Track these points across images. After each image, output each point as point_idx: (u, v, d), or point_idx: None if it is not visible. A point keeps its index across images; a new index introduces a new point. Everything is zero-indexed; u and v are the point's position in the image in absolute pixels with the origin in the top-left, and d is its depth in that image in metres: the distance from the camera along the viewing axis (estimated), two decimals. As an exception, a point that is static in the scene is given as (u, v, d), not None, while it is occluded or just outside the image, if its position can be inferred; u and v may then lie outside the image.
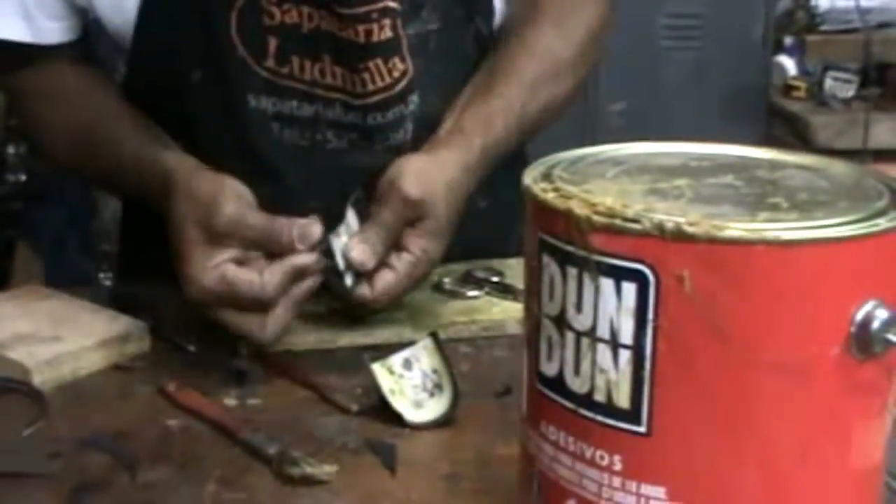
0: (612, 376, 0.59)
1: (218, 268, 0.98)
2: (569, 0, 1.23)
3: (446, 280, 1.17)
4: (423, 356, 0.96)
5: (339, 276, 1.02)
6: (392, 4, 1.11)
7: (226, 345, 1.04)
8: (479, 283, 1.18)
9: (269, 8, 1.11)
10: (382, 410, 0.93)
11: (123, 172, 1.14)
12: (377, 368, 0.94)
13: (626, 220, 0.57)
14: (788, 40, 3.65)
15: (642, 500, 0.60)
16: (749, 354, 0.57)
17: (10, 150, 2.59)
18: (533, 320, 0.64)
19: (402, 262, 1.03)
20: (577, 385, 0.61)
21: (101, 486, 0.83)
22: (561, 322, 0.62)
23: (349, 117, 1.15)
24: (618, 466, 0.60)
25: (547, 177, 0.65)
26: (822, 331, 0.57)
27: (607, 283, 0.59)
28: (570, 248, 0.60)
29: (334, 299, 1.08)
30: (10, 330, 1.05)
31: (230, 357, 1.03)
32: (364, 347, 1.05)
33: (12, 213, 2.62)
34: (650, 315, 0.57)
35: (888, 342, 0.57)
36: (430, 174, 1.06)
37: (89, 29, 1.21)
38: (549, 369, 0.63)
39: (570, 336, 0.61)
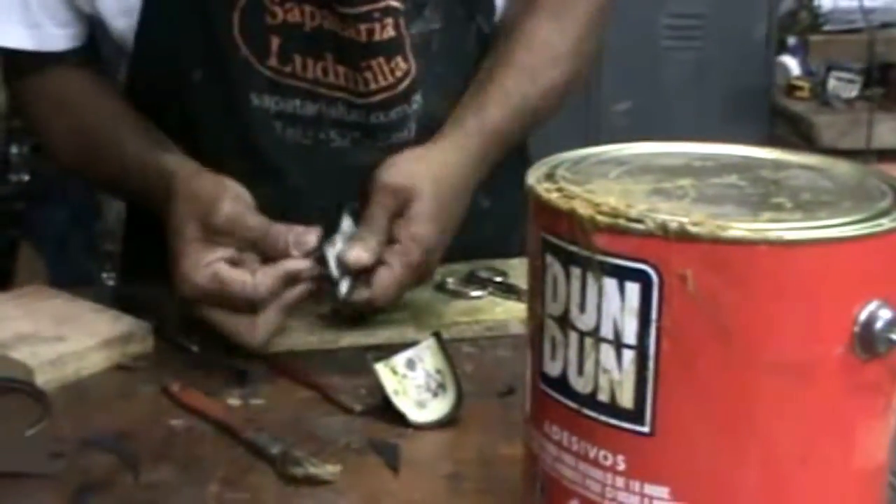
0: (616, 376, 0.59)
1: (211, 266, 0.99)
2: None
3: (449, 280, 1.17)
4: (426, 356, 0.96)
5: (333, 284, 1.03)
6: (394, 4, 1.11)
7: (229, 345, 1.04)
8: (483, 283, 1.18)
9: (271, 7, 1.11)
10: (386, 410, 0.93)
11: (126, 176, 1.14)
12: (380, 368, 0.94)
13: (629, 220, 0.57)
14: (792, 40, 3.65)
15: (645, 500, 0.60)
16: (752, 354, 0.57)
17: (14, 150, 2.59)
18: (536, 320, 0.64)
19: (393, 254, 1.03)
20: (581, 385, 0.61)
21: (104, 487, 0.83)
22: (564, 322, 0.62)
23: (352, 116, 1.15)
24: (621, 466, 0.60)
25: (550, 177, 0.65)
26: (825, 331, 0.57)
27: (611, 283, 0.59)
28: (573, 248, 0.60)
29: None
30: (13, 330, 1.05)
31: (233, 357, 1.03)
32: (367, 347, 1.05)
33: (15, 212, 2.62)
34: (653, 315, 0.57)
35: (891, 342, 0.57)
36: (410, 162, 1.07)
37: (94, 33, 1.22)
38: (553, 369, 0.63)
39: (573, 336, 0.61)
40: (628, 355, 0.59)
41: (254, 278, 0.99)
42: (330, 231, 1.03)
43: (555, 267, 0.62)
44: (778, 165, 0.68)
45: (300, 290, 1.01)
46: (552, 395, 0.63)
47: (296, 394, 0.99)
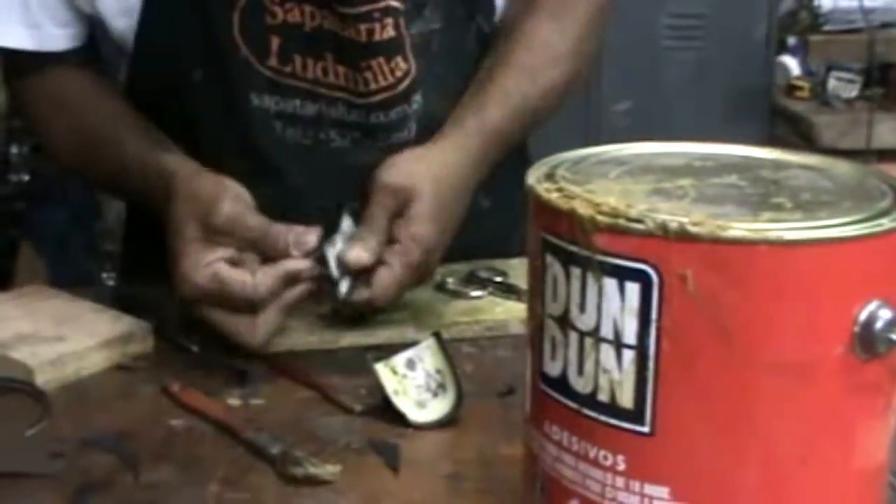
0: (616, 376, 0.59)
1: (211, 266, 0.99)
2: None
3: (449, 280, 1.17)
4: (426, 356, 0.96)
5: (333, 284, 1.03)
6: (394, 4, 1.11)
7: (229, 345, 1.04)
8: (483, 283, 1.18)
9: (271, 7, 1.11)
10: (386, 410, 0.93)
11: (126, 176, 1.14)
12: (380, 368, 0.94)
13: (629, 220, 0.57)
14: (792, 40, 3.65)
15: (646, 500, 0.60)
16: (752, 354, 0.57)
17: (14, 150, 2.59)
18: (536, 320, 0.64)
19: (393, 254, 1.03)
20: (581, 385, 0.61)
21: (104, 487, 0.83)
22: (564, 322, 0.62)
23: (352, 116, 1.15)
24: (621, 466, 0.60)
25: (550, 177, 0.65)
26: (825, 331, 0.57)
27: (611, 283, 0.59)
28: (573, 248, 0.60)
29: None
30: (13, 330, 1.05)
31: (233, 357, 1.03)
32: (367, 347, 1.05)
33: (16, 212, 2.62)
34: (653, 315, 0.57)
35: (891, 342, 0.57)
36: (410, 162, 1.07)
37: (94, 33, 1.22)
38: (553, 369, 0.63)
39: (573, 336, 0.61)
40: (628, 355, 0.59)
41: (254, 278, 0.99)
42: (330, 231, 1.03)
43: (555, 267, 0.62)
44: (778, 165, 0.68)
45: (300, 290, 1.01)
46: (552, 395, 0.63)
47: (296, 394, 0.99)
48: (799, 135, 3.38)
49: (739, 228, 0.56)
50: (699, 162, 0.68)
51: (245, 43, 1.12)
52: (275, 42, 1.12)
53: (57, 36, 1.17)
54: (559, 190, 0.62)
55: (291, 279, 1.01)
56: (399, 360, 0.95)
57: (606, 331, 0.59)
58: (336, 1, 1.10)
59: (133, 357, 1.05)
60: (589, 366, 0.60)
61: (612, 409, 0.60)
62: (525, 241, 0.66)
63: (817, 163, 0.69)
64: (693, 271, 0.56)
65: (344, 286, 1.03)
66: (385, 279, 1.02)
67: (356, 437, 0.91)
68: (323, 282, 1.02)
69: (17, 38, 1.16)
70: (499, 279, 1.18)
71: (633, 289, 0.58)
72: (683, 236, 0.56)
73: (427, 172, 1.06)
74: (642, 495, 0.60)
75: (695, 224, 0.56)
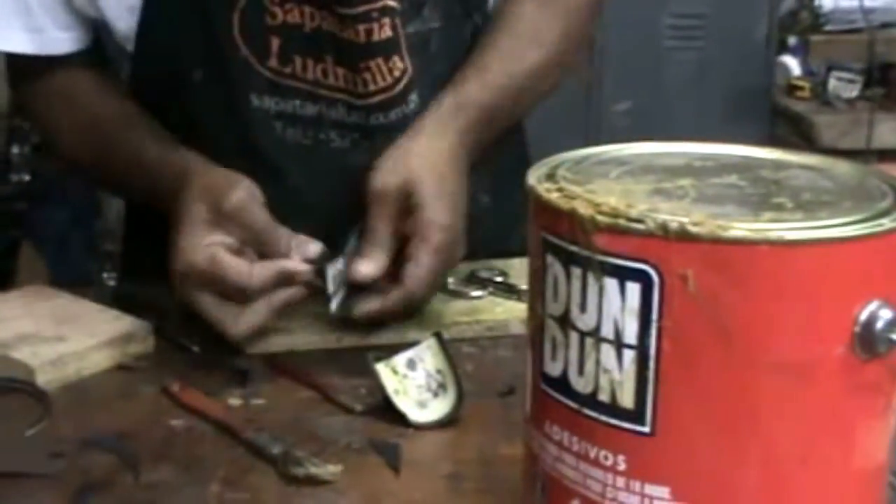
0: (616, 376, 0.59)
1: (211, 247, 0.99)
2: None
3: (450, 280, 1.17)
4: (426, 356, 0.96)
5: (327, 299, 1.04)
6: (391, 3, 1.11)
7: (230, 345, 1.04)
8: (483, 283, 1.18)
9: (271, 8, 1.11)
10: (386, 410, 0.93)
11: (137, 172, 1.14)
12: (381, 368, 0.94)
13: (629, 220, 0.57)
14: (792, 40, 3.65)
15: (646, 500, 0.60)
16: (753, 354, 0.57)
17: (15, 149, 2.59)
18: (537, 320, 0.64)
19: (415, 246, 1.03)
20: (581, 385, 0.61)
21: (104, 486, 0.83)
22: (565, 322, 0.62)
23: (352, 117, 1.16)
24: (622, 466, 0.60)
25: (551, 177, 0.65)
26: (825, 331, 0.57)
27: (611, 283, 0.59)
28: (573, 248, 0.60)
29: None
30: (13, 330, 1.05)
31: (234, 357, 1.04)
32: (368, 347, 1.05)
33: (16, 212, 2.62)
34: (654, 315, 0.57)
35: (892, 342, 0.57)
36: (396, 160, 1.07)
37: (99, 35, 1.22)
38: (553, 369, 0.63)
39: (573, 336, 0.61)
40: (629, 355, 0.59)
41: (250, 268, 0.99)
42: (331, 244, 1.04)
43: (555, 267, 0.62)
44: (778, 165, 0.68)
45: (292, 293, 1.02)
46: (553, 395, 0.63)
47: (296, 394, 0.99)
48: (799, 135, 3.38)
49: (740, 228, 0.56)
50: (700, 162, 0.68)
51: (245, 43, 1.12)
52: (275, 43, 1.12)
53: (60, 39, 1.17)
54: (560, 190, 0.62)
55: (286, 279, 1.01)
56: (400, 360, 0.95)
57: (607, 331, 0.59)
58: (335, 1, 1.10)
59: (134, 357, 1.05)
60: (589, 366, 0.60)
61: (613, 409, 0.60)
62: (526, 241, 0.66)
63: (818, 163, 0.69)
64: (693, 271, 0.56)
65: (335, 302, 1.03)
66: (415, 273, 1.02)
67: (357, 437, 0.91)
68: (317, 294, 1.03)
69: (19, 42, 1.16)
70: (499, 279, 1.18)
71: (633, 289, 0.58)
72: (684, 236, 0.56)
73: (416, 162, 1.06)
74: (643, 495, 0.60)
75: (695, 224, 0.56)
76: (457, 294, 1.16)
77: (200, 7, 1.12)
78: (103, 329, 1.06)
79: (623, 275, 0.58)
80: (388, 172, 1.06)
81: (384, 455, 0.88)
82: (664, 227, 0.56)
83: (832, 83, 3.43)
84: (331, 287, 1.03)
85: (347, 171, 1.13)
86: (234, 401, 0.97)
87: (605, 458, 0.61)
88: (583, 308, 0.60)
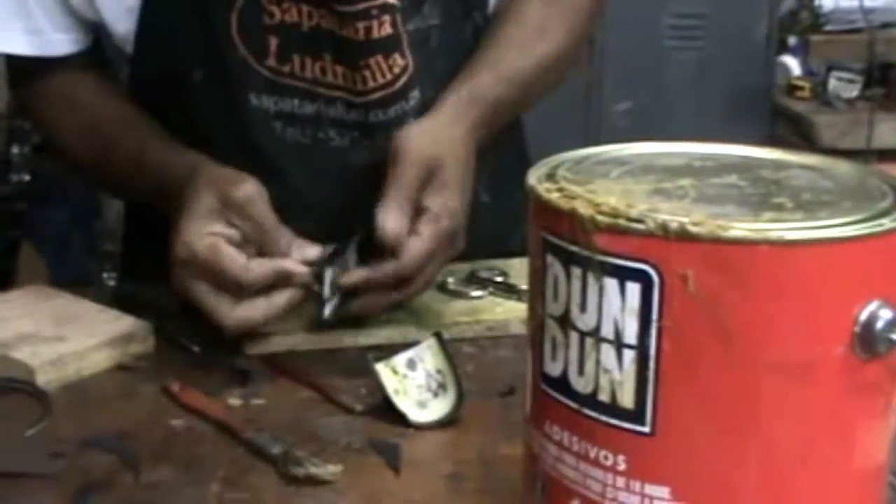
0: (616, 376, 0.59)
1: (213, 237, 0.99)
2: None
3: (450, 280, 1.17)
4: (426, 356, 0.96)
5: (320, 304, 1.03)
6: (391, 0, 1.11)
7: (230, 345, 1.04)
8: (483, 283, 1.18)
9: (269, 7, 1.11)
10: (386, 410, 0.93)
11: (141, 172, 1.14)
12: (381, 368, 0.94)
13: (629, 220, 0.57)
14: (792, 40, 3.65)
15: (646, 500, 0.60)
16: (753, 354, 0.57)
17: (15, 149, 2.59)
18: (537, 320, 0.64)
19: (423, 223, 1.03)
20: (581, 385, 0.61)
21: (104, 486, 0.83)
22: (565, 322, 0.62)
23: (351, 115, 1.16)
24: (622, 466, 0.60)
25: (551, 177, 0.65)
26: (825, 331, 0.57)
27: (611, 283, 0.59)
28: (574, 248, 0.60)
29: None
30: (14, 330, 1.05)
31: (234, 357, 1.04)
32: (368, 347, 1.05)
33: (16, 212, 2.62)
34: (654, 315, 0.57)
35: (892, 342, 0.57)
36: (429, 133, 1.08)
37: (98, 36, 1.22)
38: (553, 369, 0.63)
39: (574, 336, 0.61)
40: (629, 355, 0.59)
41: (247, 262, 0.99)
42: (331, 243, 1.04)
43: (555, 267, 0.62)
44: (778, 165, 0.68)
45: (290, 295, 1.02)
46: (553, 395, 0.63)
47: (296, 394, 0.99)
48: (799, 135, 3.38)
49: (740, 228, 0.56)
50: (700, 162, 0.68)
51: (243, 43, 1.12)
52: (273, 42, 1.12)
53: (59, 41, 1.18)
54: (560, 190, 0.62)
55: (283, 279, 1.01)
56: (400, 360, 0.95)
57: (607, 331, 0.59)
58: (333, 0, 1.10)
59: (134, 357, 1.05)
60: (589, 366, 0.61)
61: (613, 409, 0.60)
62: (526, 241, 0.66)
63: (818, 163, 0.69)
64: (694, 271, 0.56)
65: (328, 308, 1.03)
66: (413, 247, 1.02)
67: (357, 437, 0.91)
68: (311, 297, 1.03)
69: (19, 44, 1.16)
70: (499, 279, 1.18)
71: (633, 289, 0.58)
72: (684, 236, 0.56)
73: (444, 141, 1.07)
74: (643, 495, 0.60)
75: (695, 224, 0.56)
76: (457, 294, 1.16)
77: (199, 8, 1.12)
78: (103, 329, 1.06)
79: (623, 275, 0.58)
80: (421, 139, 1.06)
81: (384, 455, 0.88)
82: (664, 227, 0.56)
83: (832, 83, 3.43)
84: (327, 292, 1.03)
85: (347, 171, 1.13)
86: (234, 401, 0.97)
87: (605, 458, 0.61)
88: (583, 308, 0.60)
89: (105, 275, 2.54)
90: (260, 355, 1.05)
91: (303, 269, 1.01)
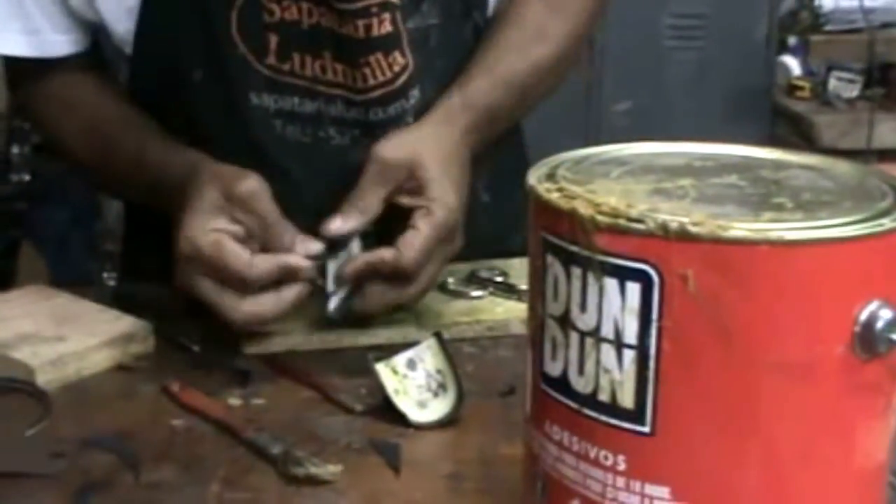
0: (617, 376, 0.59)
1: (217, 233, 0.99)
2: None
3: (450, 280, 1.17)
4: (426, 356, 0.96)
5: (325, 298, 1.03)
6: None
7: (230, 345, 1.04)
8: (483, 283, 1.18)
9: (268, 5, 1.11)
10: (386, 410, 0.93)
11: (141, 171, 1.14)
12: (381, 368, 0.94)
13: (630, 220, 0.57)
14: (792, 40, 3.65)
15: (646, 500, 0.60)
16: (753, 354, 0.57)
17: (15, 149, 2.59)
18: (537, 320, 0.64)
19: (417, 217, 1.03)
20: (581, 385, 0.61)
21: (104, 486, 0.83)
22: (565, 322, 0.62)
23: (351, 113, 1.16)
24: (622, 466, 0.60)
25: (551, 177, 0.65)
26: (825, 331, 0.57)
27: (611, 283, 0.59)
28: (574, 248, 0.60)
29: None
30: (14, 329, 1.05)
31: (234, 357, 1.04)
32: (368, 347, 1.05)
33: (16, 212, 2.62)
34: (654, 315, 0.57)
35: (892, 342, 0.57)
36: (403, 137, 1.09)
37: (97, 37, 1.22)
38: (553, 369, 0.63)
39: (574, 336, 0.61)
40: (629, 355, 0.59)
41: (251, 258, 0.99)
42: (331, 242, 1.04)
43: (555, 267, 0.62)
44: (778, 165, 0.68)
45: (297, 290, 1.01)
46: (553, 395, 0.63)
47: (297, 394, 0.99)
48: (799, 135, 3.38)
49: (740, 228, 0.56)
50: (700, 162, 0.68)
51: (243, 41, 1.12)
52: (273, 40, 1.12)
53: (58, 42, 1.18)
54: (560, 190, 0.62)
55: (288, 274, 1.01)
56: (400, 359, 0.95)
57: (607, 331, 0.59)
58: None
59: (134, 357, 1.05)
60: (589, 366, 0.61)
61: (613, 409, 0.60)
62: (526, 240, 0.66)
63: (818, 163, 0.69)
64: (694, 271, 0.56)
65: (333, 302, 1.03)
66: (410, 239, 1.02)
67: (357, 436, 0.91)
68: (316, 291, 1.03)
69: (17, 45, 1.16)
70: (499, 279, 1.18)
71: (633, 289, 0.58)
72: (684, 236, 0.56)
73: (423, 144, 1.08)
74: (643, 495, 0.60)
75: (695, 224, 0.56)
76: (457, 294, 1.16)
77: (199, 7, 1.12)
78: (103, 329, 1.06)
79: (623, 275, 0.58)
80: (394, 146, 1.07)
81: (384, 455, 0.88)
82: (664, 227, 0.56)
83: (832, 83, 3.43)
84: (330, 285, 1.03)
85: (347, 169, 1.13)
86: (235, 401, 0.97)
87: (605, 458, 0.61)
88: (583, 308, 0.60)
89: (105, 275, 2.54)
90: (260, 355, 1.05)
91: (308, 264, 1.01)
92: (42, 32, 1.16)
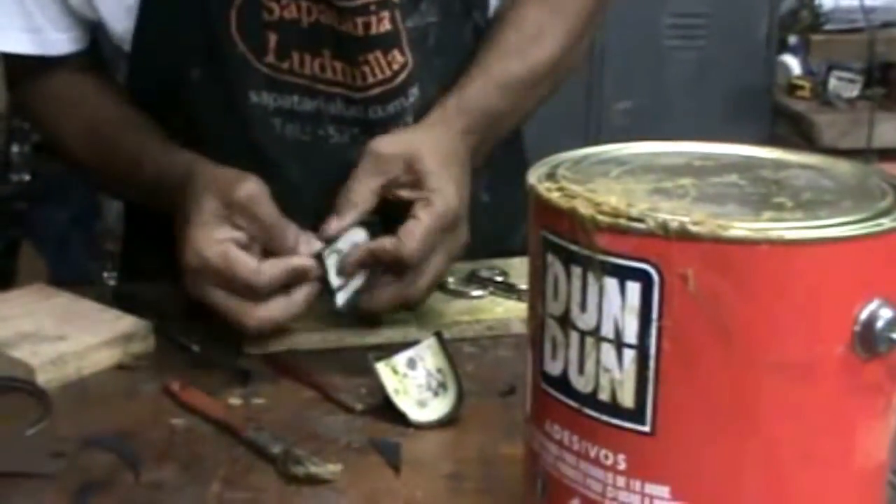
0: (617, 375, 0.59)
1: (222, 243, 1.00)
2: None
3: (450, 279, 1.17)
4: (427, 355, 0.96)
5: (331, 293, 1.03)
6: None
7: (230, 344, 1.04)
8: (484, 283, 1.18)
9: (268, 4, 1.11)
10: (387, 410, 0.93)
11: (139, 172, 1.14)
12: (381, 368, 0.94)
13: (630, 219, 0.57)
14: (793, 39, 3.65)
15: (646, 499, 0.60)
16: (753, 354, 0.57)
17: (15, 149, 2.59)
18: (537, 320, 0.64)
19: (417, 207, 1.03)
20: (582, 384, 0.61)
21: (105, 486, 0.83)
22: (565, 321, 0.62)
23: (350, 112, 1.16)
24: (622, 466, 0.60)
25: (551, 176, 0.65)
26: (825, 330, 0.57)
27: (611, 283, 0.59)
28: (574, 248, 0.60)
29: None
30: (14, 329, 1.05)
31: (234, 356, 1.04)
32: (368, 347, 1.05)
33: (17, 212, 2.62)
34: (654, 314, 0.57)
35: (892, 342, 0.57)
36: (399, 134, 1.10)
37: (96, 35, 1.22)
38: (554, 368, 0.63)
39: (574, 335, 0.61)
40: (629, 355, 0.59)
41: (259, 266, 0.99)
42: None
43: (556, 266, 0.62)
44: (778, 165, 0.68)
45: (308, 291, 1.02)
46: (553, 394, 0.63)
47: (297, 393, 0.99)
48: (800, 134, 3.38)
49: (740, 228, 0.56)
50: (700, 161, 0.68)
51: (242, 40, 1.12)
52: (272, 38, 1.13)
53: (58, 40, 1.18)
54: (560, 189, 0.62)
55: (297, 276, 1.01)
56: (400, 359, 0.95)
57: (607, 330, 0.59)
58: None
59: (134, 356, 1.05)
60: (590, 365, 0.61)
61: (613, 408, 0.60)
62: (526, 240, 0.66)
63: (818, 162, 0.69)
64: (694, 271, 0.56)
65: (342, 297, 1.03)
66: (410, 228, 1.02)
67: (357, 436, 0.91)
68: (325, 289, 1.03)
69: (18, 42, 1.16)
70: (500, 278, 1.18)
71: (633, 288, 0.58)
72: (684, 236, 0.56)
73: (420, 141, 1.08)
74: (643, 494, 0.60)
75: (696, 223, 0.56)
76: (457, 294, 1.16)
77: (198, 5, 1.12)
78: (104, 328, 1.06)
79: (623, 274, 0.58)
80: (390, 142, 1.08)
81: (384, 454, 0.88)
82: (664, 226, 0.56)
83: (832, 83, 3.43)
84: (334, 280, 1.03)
85: (347, 168, 1.13)
86: (235, 400, 0.97)
87: (606, 457, 0.61)
88: (583, 307, 0.60)
89: (105, 275, 2.54)
90: (260, 355, 1.05)
91: (314, 263, 1.01)
92: (43, 31, 1.16)
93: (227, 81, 1.14)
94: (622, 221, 0.58)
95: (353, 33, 1.11)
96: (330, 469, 0.84)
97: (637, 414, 0.59)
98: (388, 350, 0.99)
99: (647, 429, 0.59)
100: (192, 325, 1.07)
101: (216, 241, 0.99)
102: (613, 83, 3.44)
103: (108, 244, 2.64)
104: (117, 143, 1.17)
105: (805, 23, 3.59)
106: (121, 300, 1.13)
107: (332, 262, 1.03)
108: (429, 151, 1.06)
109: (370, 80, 1.14)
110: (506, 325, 1.10)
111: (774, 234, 0.55)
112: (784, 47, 3.64)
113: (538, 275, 0.64)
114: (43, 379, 0.99)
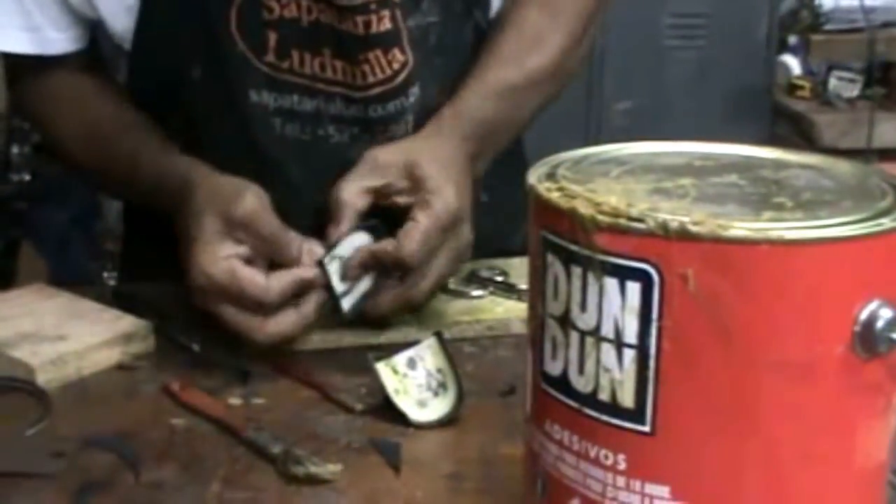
0: (617, 376, 0.59)
1: (228, 260, 1.00)
2: None
3: (450, 280, 1.17)
4: (427, 355, 0.96)
5: (335, 298, 1.04)
6: None
7: (230, 344, 1.04)
8: (484, 283, 1.18)
9: (268, 2, 1.11)
10: (387, 410, 0.93)
11: (138, 174, 1.14)
12: (381, 368, 0.94)
13: (630, 219, 0.57)
14: (793, 39, 3.65)
15: (646, 499, 0.60)
16: (753, 354, 0.57)
17: (15, 149, 2.59)
18: (537, 320, 0.64)
19: (416, 209, 1.03)
20: (582, 384, 0.61)
21: (105, 486, 0.83)
22: (565, 321, 0.62)
23: (350, 111, 1.16)
24: (622, 466, 0.60)
25: (551, 176, 0.65)
26: (825, 330, 0.57)
27: (611, 283, 0.59)
28: (574, 248, 0.60)
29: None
30: (14, 329, 1.05)
31: (234, 356, 1.04)
32: (368, 347, 1.05)
33: (17, 212, 2.62)
34: (654, 314, 0.57)
35: (892, 341, 0.57)
36: (399, 143, 1.11)
37: (95, 35, 1.22)
38: (554, 369, 0.63)
39: (574, 335, 0.61)
40: (629, 355, 0.59)
41: (267, 280, 0.99)
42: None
43: (556, 266, 0.62)
44: (778, 165, 0.68)
45: (316, 300, 1.02)
46: (553, 394, 0.63)
47: (297, 393, 0.99)
48: (800, 134, 3.38)
49: (740, 228, 0.56)
50: (700, 161, 0.68)
51: (242, 39, 1.12)
52: (272, 37, 1.12)
53: (57, 40, 1.18)
54: (560, 189, 0.62)
55: (304, 287, 1.01)
56: (400, 359, 0.95)
57: (607, 330, 0.59)
58: None
59: (134, 356, 1.05)
60: (590, 365, 0.61)
61: (613, 408, 0.60)
62: (526, 240, 0.66)
63: (818, 162, 0.69)
64: (694, 271, 0.56)
65: (347, 302, 1.03)
66: (409, 228, 1.02)
67: (357, 436, 0.91)
68: (331, 296, 1.03)
69: (18, 41, 1.16)
70: (500, 278, 1.18)
71: (633, 288, 0.58)
72: (684, 236, 0.56)
73: (419, 148, 1.08)
74: (643, 494, 0.60)
75: (696, 223, 0.56)
76: (457, 294, 1.16)
77: (198, 4, 1.12)
78: (104, 328, 1.06)
79: (623, 274, 0.58)
80: (388, 150, 1.08)
81: (384, 454, 0.88)
82: (664, 226, 0.56)
83: (833, 82, 3.43)
84: (339, 287, 1.03)
85: (347, 168, 1.13)
86: (235, 400, 0.97)
87: (606, 457, 0.61)
88: (583, 307, 0.60)
89: (105, 275, 2.54)
90: (260, 355, 1.05)
91: (318, 272, 1.02)
92: (42, 30, 1.16)
93: (227, 80, 1.14)
94: (622, 221, 0.58)
95: (354, 32, 1.11)
96: (330, 469, 0.84)
97: (637, 414, 0.59)
98: (388, 350, 0.99)
99: (647, 429, 0.59)
100: (192, 325, 1.07)
101: (221, 259, 1.00)
102: (613, 83, 3.44)
103: (108, 244, 2.64)
104: (115, 144, 1.17)
105: (805, 23, 3.59)
106: (121, 300, 1.14)
107: (334, 269, 1.03)
108: (427, 158, 1.06)
109: (370, 79, 1.14)
110: (506, 325, 1.10)
111: (774, 234, 0.55)
112: (784, 47, 3.64)
113: (538, 275, 0.64)
114: (43, 379, 0.99)
